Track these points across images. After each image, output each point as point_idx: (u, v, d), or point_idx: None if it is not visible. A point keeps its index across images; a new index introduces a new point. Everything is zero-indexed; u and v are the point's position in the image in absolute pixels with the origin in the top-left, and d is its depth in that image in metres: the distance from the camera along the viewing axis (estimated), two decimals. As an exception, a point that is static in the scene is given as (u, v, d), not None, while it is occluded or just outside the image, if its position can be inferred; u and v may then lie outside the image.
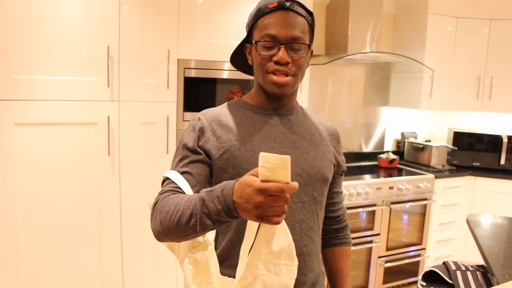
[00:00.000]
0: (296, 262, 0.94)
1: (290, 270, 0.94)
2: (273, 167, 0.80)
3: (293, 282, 0.94)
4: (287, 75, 1.13)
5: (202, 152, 1.15)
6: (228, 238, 1.17)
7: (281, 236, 0.91)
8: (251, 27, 1.17)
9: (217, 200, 0.89)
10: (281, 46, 1.10)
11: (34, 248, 2.31)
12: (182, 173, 1.13)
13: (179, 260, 1.20)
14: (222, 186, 0.90)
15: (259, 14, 1.14)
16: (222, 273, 1.14)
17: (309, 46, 1.16)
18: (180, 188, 1.08)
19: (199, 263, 1.10)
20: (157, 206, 1.04)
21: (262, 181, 0.81)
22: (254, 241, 0.91)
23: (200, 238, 1.16)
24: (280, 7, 1.11)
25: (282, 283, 0.94)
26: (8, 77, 2.14)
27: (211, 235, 1.18)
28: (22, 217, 2.26)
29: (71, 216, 2.38)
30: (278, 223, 0.84)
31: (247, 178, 0.85)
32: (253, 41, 1.15)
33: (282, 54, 1.10)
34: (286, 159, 0.80)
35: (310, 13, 1.17)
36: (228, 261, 1.17)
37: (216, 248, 1.21)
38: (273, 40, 1.11)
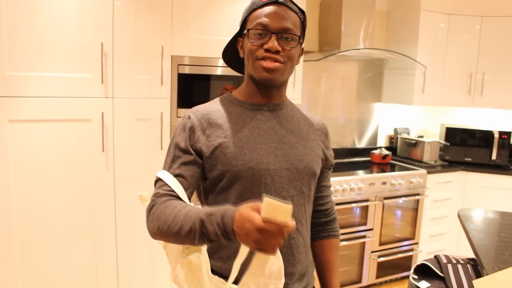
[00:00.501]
0: (282, 280, 0.99)
1: (276, 287, 0.99)
2: (275, 211, 0.84)
3: None
4: (275, 61, 1.15)
5: (193, 152, 1.17)
6: None
7: (274, 261, 0.96)
8: (244, 20, 1.20)
9: (216, 225, 0.94)
10: (272, 35, 1.13)
11: (29, 245, 2.31)
12: (175, 175, 1.15)
13: (168, 256, 1.22)
14: (222, 213, 0.94)
15: (253, 7, 1.18)
16: (213, 266, 1.17)
17: (300, 41, 1.19)
18: (174, 192, 1.11)
19: (193, 265, 1.12)
20: (154, 210, 1.08)
21: (264, 219, 0.85)
22: (250, 265, 0.96)
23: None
24: (273, 1, 1.14)
25: None
26: (2, 73, 2.13)
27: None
28: (16, 213, 2.26)
29: (65, 213, 2.38)
30: (274, 254, 0.89)
31: (248, 213, 0.87)
32: (245, 30, 1.18)
33: (272, 42, 1.13)
34: (288, 208, 0.83)
35: (302, 11, 1.20)
36: (218, 253, 1.20)
37: None
38: (264, 28, 1.13)
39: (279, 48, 1.13)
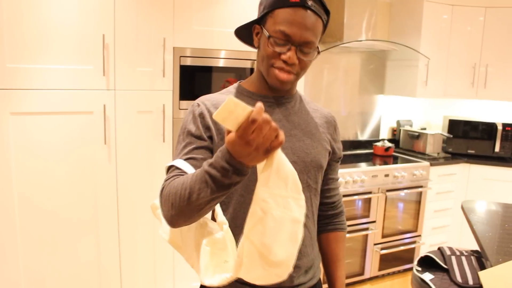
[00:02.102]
0: (303, 196, 0.94)
1: (298, 204, 0.94)
2: (229, 113, 0.81)
3: (302, 217, 0.94)
4: (290, 73, 1.13)
5: (206, 138, 1.15)
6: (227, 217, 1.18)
7: (283, 163, 0.91)
8: (266, 12, 1.14)
9: (220, 167, 0.88)
10: (292, 47, 1.10)
11: (31, 238, 2.31)
12: (186, 159, 1.11)
13: (184, 257, 1.20)
14: (218, 153, 0.89)
15: (278, 4, 1.11)
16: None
17: (318, 47, 1.16)
18: (185, 172, 1.07)
19: (217, 242, 1.10)
20: (164, 191, 1.03)
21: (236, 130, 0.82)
22: (259, 176, 0.91)
23: (212, 225, 1.15)
24: (301, 5, 1.09)
25: (293, 217, 0.93)
26: (3, 66, 2.12)
27: (222, 216, 1.16)
28: (18, 206, 2.26)
29: (67, 206, 2.38)
30: (281, 143, 0.85)
31: (227, 139, 0.85)
32: (265, 30, 1.13)
33: (291, 55, 1.10)
34: (229, 100, 0.80)
35: (327, 12, 1.15)
36: (232, 223, 1.17)
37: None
38: (286, 39, 1.10)
39: (296, 62, 1.11)
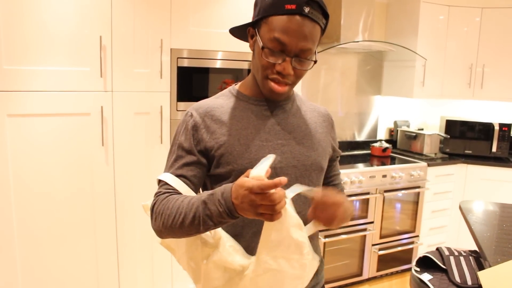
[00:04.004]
0: (307, 257, 0.98)
1: (301, 263, 0.98)
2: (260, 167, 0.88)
3: (306, 275, 0.99)
4: (285, 84, 1.11)
5: (196, 153, 1.13)
6: (225, 229, 1.16)
7: (286, 227, 0.95)
8: (261, 18, 1.10)
9: (218, 203, 0.93)
10: (287, 58, 1.07)
11: (29, 239, 2.30)
12: (177, 175, 1.12)
13: (178, 259, 1.19)
14: (222, 190, 0.94)
15: (273, 10, 1.06)
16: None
17: (315, 54, 1.13)
18: (176, 190, 1.09)
19: (220, 262, 1.09)
20: (156, 207, 1.06)
21: (252, 178, 0.87)
22: (261, 239, 0.97)
23: (210, 239, 1.14)
24: (297, 12, 1.03)
25: (294, 275, 0.98)
26: (0, 68, 2.12)
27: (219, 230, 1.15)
28: (16, 208, 2.25)
29: (65, 207, 2.37)
30: (271, 220, 0.89)
31: (240, 179, 0.90)
32: (259, 38, 1.09)
33: (286, 66, 1.07)
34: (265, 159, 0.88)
35: (326, 16, 1.10)
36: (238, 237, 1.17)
37: None
38: (281, 48, 1.06)
39: (291, 72, 1.08)
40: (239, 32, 1.23)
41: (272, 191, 0.86)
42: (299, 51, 1.06)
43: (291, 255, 0.96)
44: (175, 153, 1.15)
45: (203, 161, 1.14)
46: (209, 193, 0.97)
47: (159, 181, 1.13)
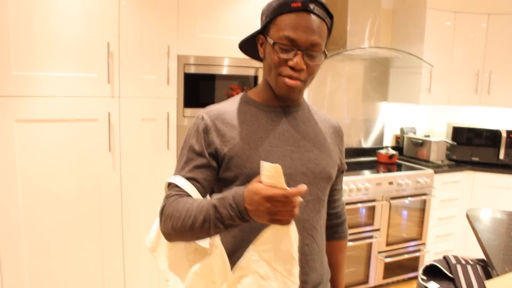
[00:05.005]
0: (294, 279, 0.97)
1: (285, 282, 0.97)
2: (270, 175, 0.88)
3: None
4: (298, 80, 1.11)
5: (207, 155, 1.13)
6: (232, 234, 1.16)
7: (286, 242, 0.96)
8: (269, 21, 1.13)
9: (229, 206, 0.94)
10: (299, 51, 1.08)
11: (36, 244, 2.31)
12: (187, 178, 1.12)
13: (161, 265, 1.17)
14: (233, 193, 0.95)
15: (280, 10, 1.10)
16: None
17: (324, 50, 1.14)
18: (186, 192, 1.09)
19: (205, 267, 1.09)
20: (166, 210, 1.06)
21: (267, 186, 0.88)
22: (260, 235, 0.96)
23: (207, 250, 1.13)
24: (303, 9, 1.07)
25: None
26: (9, 73, 2.14)
27: (217, 238, 1.13)
28: (23, 213, 2.26)
29: (72, 213, 2.38)
30: (288, 223, 0.92)
31: (254, 186, 0.91)
32: (269, 38, 1.11)
33: (298, 60, 1.08)
34: (277, 168, 0.87)
35: (330, 16, 1.14)
36: (240, 251, 1.15)
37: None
38: (291, 43, 1.08)
39: (304, 67, 1.09)
40: (248, 44, 1.24)
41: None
42: (309, 45, 1.08)
43: (280, 266, 0.97)
44: (186, 155, 1.16)
45: (213, 164, 1.14)
46: (219, 196, 0.98)
47: (169, 184, 1.13)
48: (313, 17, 1.08)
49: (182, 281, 1.12)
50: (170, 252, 1.16)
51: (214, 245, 1.11)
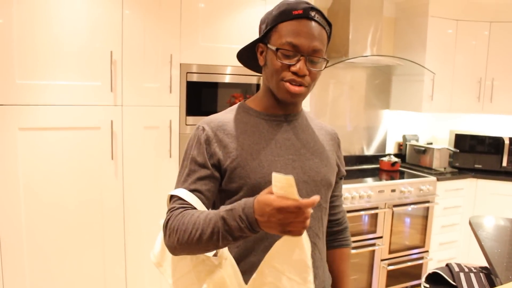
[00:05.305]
0: (310, 286, 0.96)
1: (303, 278, 0.96)
2: (282, 186, 0.87)
3: None
4: (301, 86, 1.12)
5: (210, 167, 1.13)
6: (236, 245, 1.16)
7: (299, 251, 0.95)
8: (270, 29, 1.14)
9: (239, 218, 0.93)
10: (302, 57, 1.09)
11: (38, 252, 2.31)
12: (191, 190, 1.11)
13: (169, 280, 1.16)
14: (242, 205, 0.94)
15: (281, 18, 1.11)
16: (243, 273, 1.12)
17: (325, 57, 1.15)
18: (191, 205, 1.08)
19: (216, 282, 1.08)
20: (170, 223, 1.04)
21: (279, 197, 0.87)
22: (272, 248, 0.96)
23: (214, 261, 1.12)
24: (304, 16, 1.09)
25: None
26: (12, 82, 2.15)
27: (224, 250, 1.13)
28: (26, 221, 2.27)
29: (74, 220, 2.38)
30: (300, 234, 0.90)
31: (265, 197, 0.89)
32: (270, 45, 1.12)
33: (301, 66, 1.09)
34: (290, 180, 0.86)
35: (329, 24, 1.15)
36: (247, 258, 1.16)
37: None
38: (294, 50, 1.09)
39: (307, 72, 1.10)
40: (246, 54, 1.25)
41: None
42: (312, 51, 1.10)
43: (295, 275, 0.96)
44: (188, 167, 1.14)
45: (216, 175, 1.13)
46: (227, 208, 0.96)
47: (172, 196, 1.11)
48: (314, 24, 1.10)
49: None
50: (176, 266, 1.14)
51: (223, 257, 1.10)
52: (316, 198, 0.87)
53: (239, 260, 1.14)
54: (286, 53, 1.10)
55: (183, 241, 1.00)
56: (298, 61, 1.09)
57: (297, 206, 0.86)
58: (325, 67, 1.18)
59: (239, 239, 0.97)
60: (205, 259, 1.10)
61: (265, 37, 1.16)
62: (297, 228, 0.89)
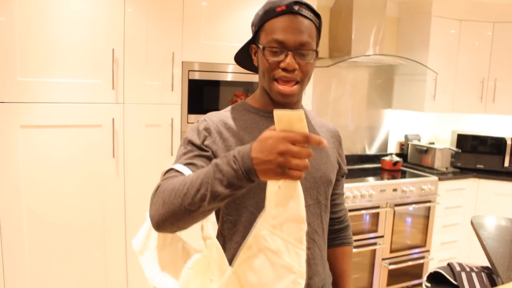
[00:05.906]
0: (303, 246, 0.90)
1: (297, 252, 0.89)
2: (291, 120, 0.80)
3: (300, 269, 0.90)
4: (293, 82, 1.11)
5: (208, 149, 1.12)
6: (235, 241, 1.16)
7: (294, 204, 0.87)
8: (258, 29, 1.15)
9: (233, 160, 0.84)
10: (289, 52, 1.09)
11: (39, 250, 2.32)
12: (186, 164, 1.07)
13: (147, 272, 1.15)
14: (238, 148, 0.86)
15: (266, 17, 1.12)
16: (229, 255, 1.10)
17: (316, 50, 1.15)
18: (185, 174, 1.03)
19: (200, 262, 1.03)
20: (159, 189, 0.99)
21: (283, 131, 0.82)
22: (266, 204, 0.88)
23: (195, 250, 1.09)
24: (288, 11, 1.09)
25: (287, 264, 0.88)
26: (14, 79, 2.15)
27: (208, 231, 1.07)
28: (27, 218, 2.27)
29: (75, 218, 2.39)
30: (300, 177, 0.82)
31: (267, 132, 0.83)
32: (260, 45, 1.13)
33: (289, 60, 1.09)
34: (300, 113, 0.80)
35: (317, 15, 1.15)
36: (233, 239, 1.16)
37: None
38: (280, 46, 1.09)
39: (296, 66, 1.10)
40: (243, 56, 1.26)
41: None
42: (299, 45, 1.09)
43: (290, 238, 0.89)
44: (185, 148, 1.13)
45: (212, 158, 1.11)
46: (221, 155, 0.89)
47: (165, 172, 1.08)
48: (299, 18, 1.10)
49: (176, 280, 1.07)
50: (160, 254, 1.11)
51: (207, 237, 1.05)
52: (323, 140, 0.82)
53: (225, 242, 1.15)
54: (273, 50, 1.10)
55: (169, 201, 0.92)
56: (286, 56, 1.09)
57: (306, 136, 0.80)
58: (316, 58, 1.17)
59: (230, 195, 0.87)
60: (186, 246, 1.10)
61: (255, 37, 1.17)
62: (297, 167, 0.80)
